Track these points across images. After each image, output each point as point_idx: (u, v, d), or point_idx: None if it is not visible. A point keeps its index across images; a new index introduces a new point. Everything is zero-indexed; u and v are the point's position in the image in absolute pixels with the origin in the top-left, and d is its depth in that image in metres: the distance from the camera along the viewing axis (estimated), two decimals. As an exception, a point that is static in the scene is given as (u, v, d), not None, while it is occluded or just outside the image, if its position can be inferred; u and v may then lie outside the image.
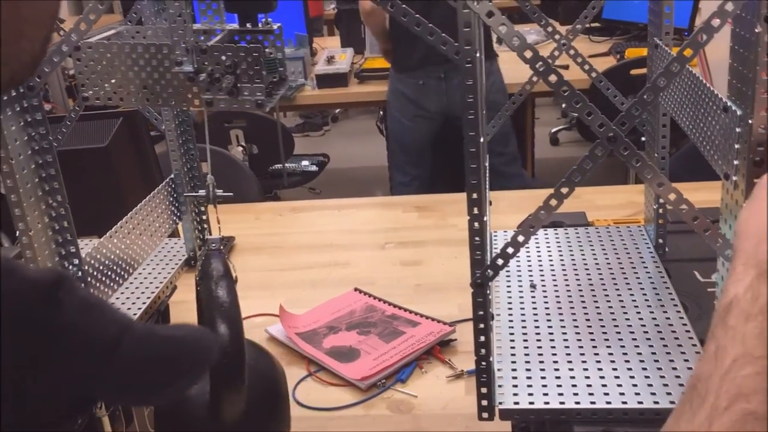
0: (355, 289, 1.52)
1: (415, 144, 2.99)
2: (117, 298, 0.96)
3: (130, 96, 0.71)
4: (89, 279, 0.78)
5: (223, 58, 0.68)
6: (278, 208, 2.09)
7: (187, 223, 1.06)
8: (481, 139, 0.64)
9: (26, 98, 0.69)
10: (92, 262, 0.81)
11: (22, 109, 0.69)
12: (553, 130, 4.64)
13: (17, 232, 0.70)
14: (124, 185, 1.49)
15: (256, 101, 0.69)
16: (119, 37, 0.77)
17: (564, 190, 0.63)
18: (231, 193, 0.80)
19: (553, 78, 0.59)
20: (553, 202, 0.64)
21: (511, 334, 0.82)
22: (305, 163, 3.36)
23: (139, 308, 0.94)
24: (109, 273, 0.85)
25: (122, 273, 0.88)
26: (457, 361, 1.27)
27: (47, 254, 0.73)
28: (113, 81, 0.71)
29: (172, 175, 1.04)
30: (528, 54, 0.59)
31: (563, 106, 5.01)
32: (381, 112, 4.01)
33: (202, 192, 0.79)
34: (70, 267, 0.76)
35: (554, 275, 0.94)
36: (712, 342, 0.54)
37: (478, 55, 0.61)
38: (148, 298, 0.96)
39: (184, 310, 1.48)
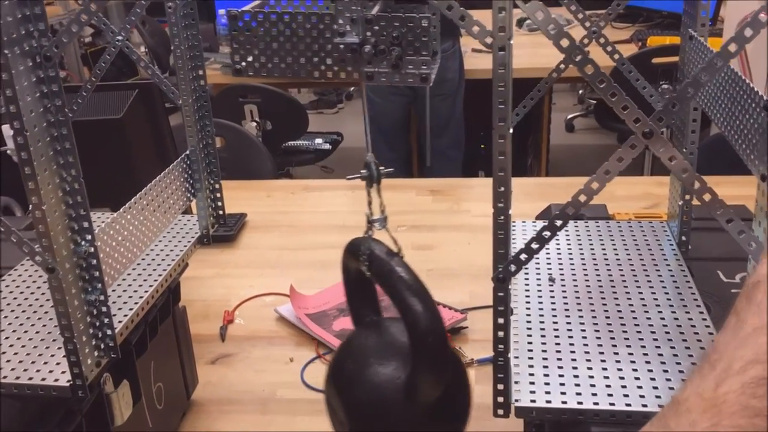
0: (367, 272, 1.50)
1: (391, 123, 2.98)
2: (129, 275, 0.94)
3: (286, 68, 0.68)
4: (102, 255, 0.77)
5: (390, 29, 0.64)
6: (291, 186, 2.07)
7: (201, 200, 1.05)
8: (510, 130, 0.61)
9: (43, 68, 0.67)
10: (105, 238, 0.80)
11: (38, 80, 0.67)
12: (569, 116, 4.59)
13: (30, 206, 0.69)
14: (137, 158, 1.47)
15: (420, 75, 0.66)
16: (268, 7, 0.74)
17: (594, 186, 0.61)
18: (392, 169, 0.77)
19: (589, 69, 0.57)
20: (583, 197, 0.62)
21: (529, 329, 0.80)
22: (318, 141, 3.33)
23: (151, 285, 0.93)
24: (122, 249, 0.84)
25: (135, 250, 0.87)
26: (468, 349, 1.26)
27: (60, 229, 0.71)
28: (269, 52, 0.67)
29: (188, 152, 1.02)
30: (564, 43, 0.57)
31: (580, 92, 4.96)
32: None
33: (363, 171, 0.76)
34: (83, 242, 0.74)
35: (573, 269, 0.92)
36: (733, 316, 0.53)
37: (511, 41, 0.59)
38: (160, 275, 0.95)
39: (195, 286, 1.47)
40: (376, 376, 0.75)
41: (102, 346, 0.80)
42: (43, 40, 0.67)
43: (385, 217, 0.80)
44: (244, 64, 0.69)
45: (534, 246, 0.64)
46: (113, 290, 0.91)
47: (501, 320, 0.68)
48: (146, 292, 0.91)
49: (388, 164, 2.79)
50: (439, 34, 0.71)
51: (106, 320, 0.79)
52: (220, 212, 1.09)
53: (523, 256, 0.65)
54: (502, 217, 0.64)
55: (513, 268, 0.65)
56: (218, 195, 1.08)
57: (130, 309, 0.88)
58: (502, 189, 0.63)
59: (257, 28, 0.67)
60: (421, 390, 0.72)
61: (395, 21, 0.65)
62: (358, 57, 0.67)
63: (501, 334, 0.69)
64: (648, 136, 0.58)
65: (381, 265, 0.76)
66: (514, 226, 1.07)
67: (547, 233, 0.64)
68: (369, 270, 0.78)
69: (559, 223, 0.63)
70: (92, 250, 0.75)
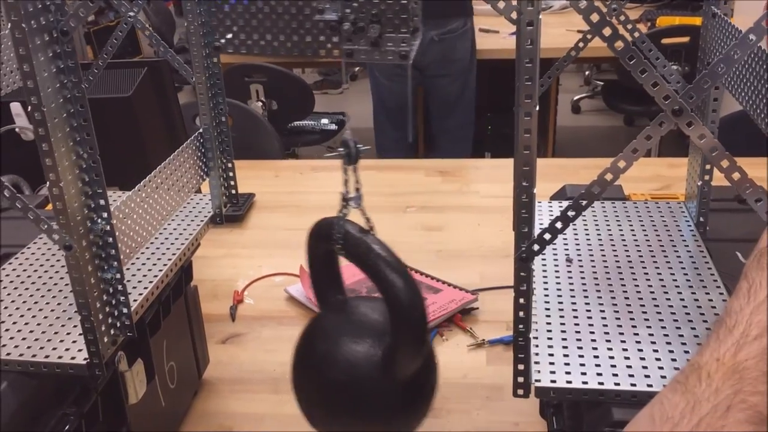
0: (377, 253, 1.50)
1: (397, 104, 2.96)
2: (142, 253, 0.94)
3: (266, 45, 0.68)
4: (118, 234, 0.76)
5: (369, 6, 0.64)
6: (298, 166, 2.06)
7: (214, 179, 1.04)
8: (537, 107, 0.60)
9: (59, 44, 0.66)
10: (121, 216, 0.79)
11: (54, 55, 0.66)
12: (576, 97, 4.56)
13: (47, 183, 0.68)
14: (146, 136, 1.46)
15: (400, 53, 0.65)
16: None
17: (621, 164, 0.60)
18: (368, 147, 0.77)
19: (619, 44, 0.56)
20: (609, 176, 0.61)
21: (547, 309, 0.80)
22: (324, 121, 3.32)
23: (165, 264, 0.92)
24: (138, 228, 0.83)
25: (150, 228, 0.86)
26: (479, 330, 1.25)
27: (76, 206, 0.71)
28: (248, 29, 0.67)
29: (201, 130, 1.01)
30: (595, 18, 0.56)
31: (586, 73, 4.92)
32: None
33: (341, 150, 0.75)
34: (99, 220, 0.74)
35: (591, 250, 0.91)
36: (745, 281, 0.54)
37: (541, 17, 0.58)
38: (174, 254, 0.95)
39: (204, 266, 1.47)
40: (352, 355, 0.76)
41: (118, 324, 0.79)
42: (59, 15, 0.66)
43: (360, 195, 0.80)
44: (223, 41, 0.69)
45: (558, 225, 0.63)
46: (127, 269, 0.90)
47: (522, 300, 0.68)
48: (160, 271, 0.91)
49: (394, 144, 2.80)
50: (420, 12, 0.70)
51: (122, 298, 0.78)
52: (233, 191, 1.08)
53: (546, 236, 0.64)
54: (525, 196, 0.63)
55: (536, 247, 0.65)
56: (230, 174, 1.07)
57: (145, 288, 0.87)
58: (527, 168, 0.62)
59: (237, 4, 0.67)
60: (401, 364, 0.73)
61: None
62: (338, 34, 0.67)
63: (522, 314, 0.68)
64: (678, 114, 0.57)
65: (357, 244, 0.77)
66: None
67: (572, 213, 0.63)
68: (343, 249, 0.78)
69: (584, 202, 0.62)
70: (108, 228, 0.74)
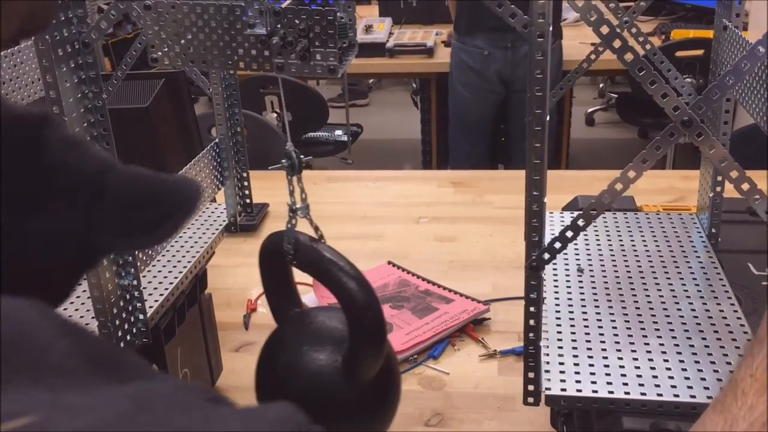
0: (389, 263, 1.51)
1: (476, 119, 2.91)
2: (158, 261, 0.95)
3: (200, 58, 0.69)
4: (135, 241, 0.77)
5: (297, 21, 0.66)
6: (313, 177, 2.08)
7: (229, 188, 1.05)
8: (547, 118, 0.61)
9: (81, 55, 0.68)
10: (138, 223, 0.80)
11: (76, 66, 0.68)
12: (590, 110, 4.56)
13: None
14: (163, 147, 1.48)
15: (328, 67, 0.67)
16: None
17: (631, 175, 0.61)
18: (310, 156, 0.79)
19: (629, 56, 0.57)
20: (619, 186, 0.62)
21: (558, 318, 0.80)
22: (338, 132, 3.34)
23: (180, 272, 0.94)
24: (154, 236, 0.84)
25: (166, 236, 0.88)
26: (491, 340, 1.26)
27: (95, 214, 0.72)
28: (183, 42, 0.69)
29: (217, 140, 1.02)
30: (604, 30, 0.57)
31: (600, 86, 4.92)
32: (414, 85, 3.96)
33: (284, 161, 0.77)
34: (117, 228, 0.75)
35: (602, 260, 0.92)
36: None
37: (550, 28, 0.59)
38: (189, 262, 0.96)
39: (218, 275, 1.48)
40: (313, 363, 0.76)
41: (134, 330, 0.81)
42: (81, 27, 0.68)
43: (307, 205, 0.81)
44: (160, 53, 0.70)
45: (568, 234, 0.64)
46: (143, 276, 0.92)
47: (533, 309, 0.68)
48: (176, 278, 0.92)
49: (464, 158, 2.78)
50: (355, 28, 0.71)
51: (138, 305, 0.79)
52: (247, 201, 1.10)
53: (557, 245, 0.65)
54: (536, 206, 0.64)
55: (547, 256, 0.65)
56: (245, 184, 1.08)
57: (161, 295, 0.89)
58: (538, 177, 0.63)
59: (170, 18, 0.68)
60: (362, 366, 0.74)
61: (302, 13, 0.66)
62: (268, 48, 0.68)
63: (532, 322, 0.69)
64: (687, 125, 0.58)
65: (308, 252, 0.77)
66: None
67: (582, 222, 0.64)
68: (295, 259, 0.79)
69: (594, 212, 0.63)
70: (126, 235, 0.76)
